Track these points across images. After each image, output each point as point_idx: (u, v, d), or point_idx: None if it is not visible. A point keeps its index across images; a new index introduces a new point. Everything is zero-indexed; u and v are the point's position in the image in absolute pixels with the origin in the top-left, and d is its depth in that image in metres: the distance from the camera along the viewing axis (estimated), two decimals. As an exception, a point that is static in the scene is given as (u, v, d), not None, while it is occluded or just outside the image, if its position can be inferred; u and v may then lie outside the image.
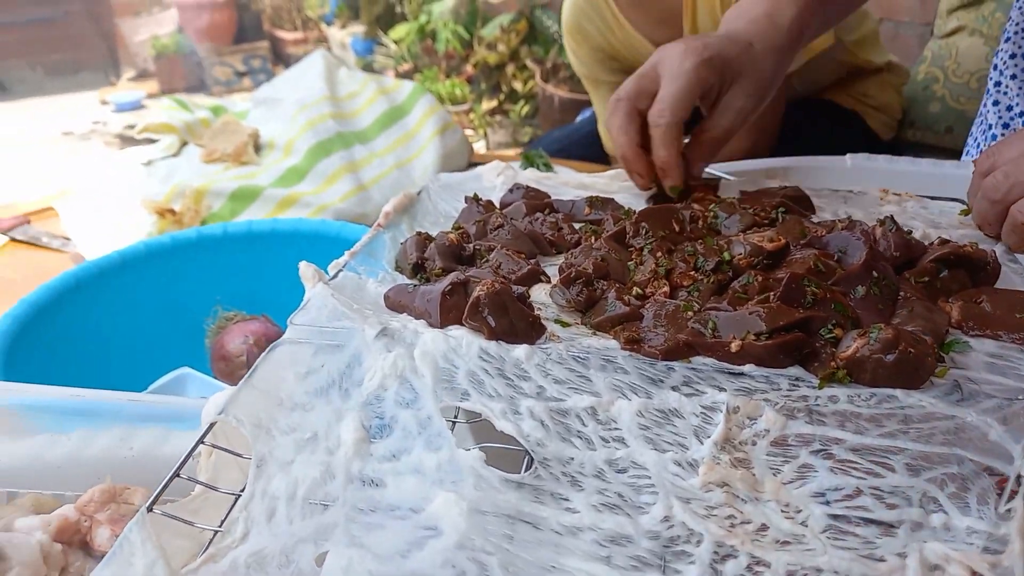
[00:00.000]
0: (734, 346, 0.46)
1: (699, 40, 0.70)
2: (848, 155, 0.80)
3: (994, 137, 0.94)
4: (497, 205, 0.72)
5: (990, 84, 0.95)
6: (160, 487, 0.40)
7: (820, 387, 0.45)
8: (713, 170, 0.77)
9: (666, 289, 0.52)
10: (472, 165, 1.44)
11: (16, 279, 1.13)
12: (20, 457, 0.50)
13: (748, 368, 0.46)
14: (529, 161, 1.43)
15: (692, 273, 0.53)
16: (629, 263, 0.56)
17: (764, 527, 0.38)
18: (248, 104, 1.40)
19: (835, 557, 0.35)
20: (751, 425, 0.43)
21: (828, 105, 1.44)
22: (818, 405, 0.44)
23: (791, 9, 0.74)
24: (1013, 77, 0.91)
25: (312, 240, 0.86)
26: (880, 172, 0.79)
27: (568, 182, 0.77)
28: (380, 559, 0.36)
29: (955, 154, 1.48)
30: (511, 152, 3.41)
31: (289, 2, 5.69)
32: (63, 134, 4.82)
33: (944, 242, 0.57)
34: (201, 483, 0.42)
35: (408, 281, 0.60)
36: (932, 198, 0.71)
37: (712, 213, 0.61)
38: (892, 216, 0.57)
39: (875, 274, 0.50)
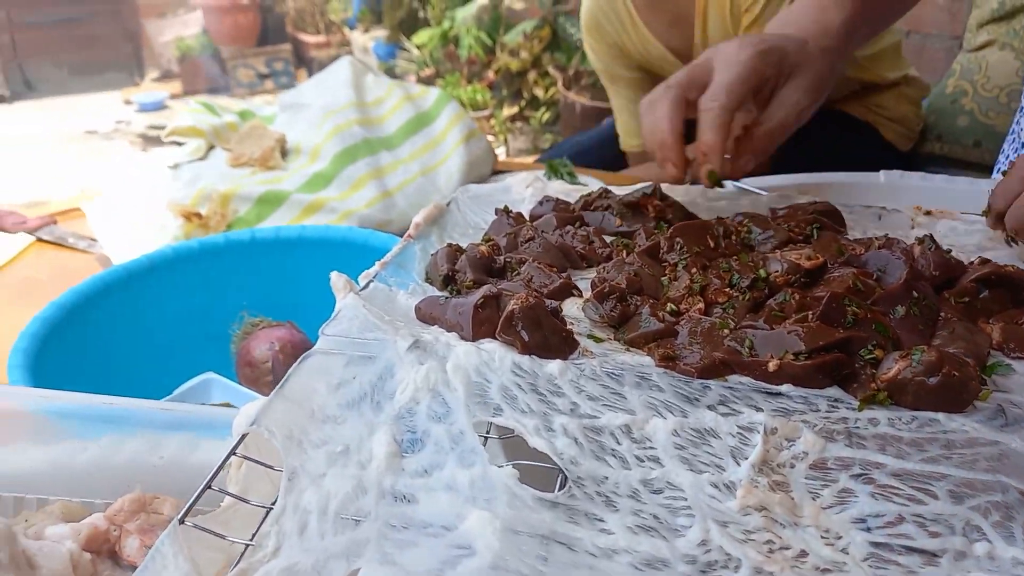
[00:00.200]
0: (772, 365, 0.45)
1: (755, 35, 0.70)
2: (882, 172, 0.79)
3: None
4: (527, 217, 0.71)
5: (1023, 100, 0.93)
6: (192, 499, 0.40)
7: (860, 409, 0.44)
8: (745, 185, 0.77)
9: (701, 306, 0.52)
10: (496, 173, 1.44)
11: (43, 279, 1.14)
12: (48, 463, 0.50)
13: (786, 388, 0.45)
14: (553, 170, 1.43)
15: (727, 290, 0.53)
16: (663, 278, 0.56)
17: (804, 553, 0.37)
18: (275, 109, 1.41)
19: (879, 587, 0.35)
20: (789, 447, 0.42)
21: (839, 115, 1.44)
22: (858, 427, 0.43)
23: (839, 15, 0.74)
24: None
25: (339, 247, 0.86)
26: (914, 189, 0.78)
27: (592, 193, 0.77)
28: (414, 578, 0.35)
29: (983, 168, 1.46)
30: (531, 159, 3.41)
31: (312, 6, 5.73)
32: (87, 133, 4.88)
33: (984, 261, 0.56)
34: (232, 495, 0.42)
35: (439, 293, 0.59)
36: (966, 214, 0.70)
37: (746, 228, 0.60)
38: (931, 235, 0.56)
39: (915, 294, 0.49)
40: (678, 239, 0.58)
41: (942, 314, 0.50)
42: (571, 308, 0.55)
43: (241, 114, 1.40)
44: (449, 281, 0.59)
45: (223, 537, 0.39)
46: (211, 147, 1.31)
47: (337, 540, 0.39)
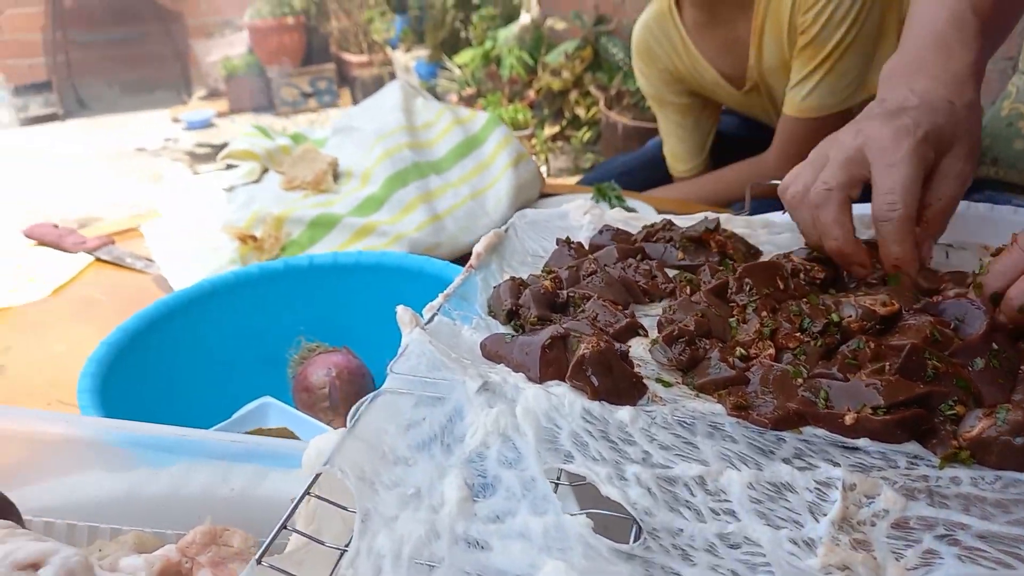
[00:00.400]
0: (848, 419, 0.44)
1: (900, 116, 0.64)
2: (964, 201, 0.77)
3: None
4: (586, 246, 0.71)
5: None
6: (269, 539, 0.40)
7: (941, 467, 0.43)
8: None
9: (771, 352, 0.51)
10: (544, 196, 1.44)
11: (101, 298, 1.17)
12: (121, 492, 0.51)
13: (863, 442, 0.44)
14: (601, 193, 1.43)
15: (798, 334, 0.52)
16: (730, 319, 0.55)
17: (889, 617, 0.36)
18: (327, 132, 1.43)
19: (972, 658, 0.34)
20: (869, 504, 0.41)
21: None
22: (939, 486, 0.42)
23: (968, 56, 0.70)
24: None
25: (395, 274, 0.87)
26: (979, 220, 0.76)
27: (655, 224, 0.76)
28: (493, 631, 0.35)
29: (1042, 194, 1.42)
30: (573, 179, 3.41)
31: (356, 26, 5.82)
32: (136, 150, 5.00)
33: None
34: (307, 536, 0.42)
35: (502, 328, 0.59)
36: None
37: (817, 267, 0.60)
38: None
39: (995, 346, 0.48)
40: (747, 280, 0.57)
41: (1022, 367, 0.48)
42: (637, 348, 0.55)
43: (294, 137, 1.42)
44: (512, 316, 0.60)
45: (299, 580, 0.40)
46: (265, 170, 1.34)
47: (412, 586, 0.39)
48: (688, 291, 0.61)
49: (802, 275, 0.60)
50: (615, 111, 3.45)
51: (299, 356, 0.84)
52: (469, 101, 4.13)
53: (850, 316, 0.52)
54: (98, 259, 1.27)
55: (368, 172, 1.27)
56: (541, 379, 0.50)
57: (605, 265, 0.65)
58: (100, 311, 1.13)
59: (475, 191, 1.28)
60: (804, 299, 0.55)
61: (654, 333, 0.57)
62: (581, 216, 0.79)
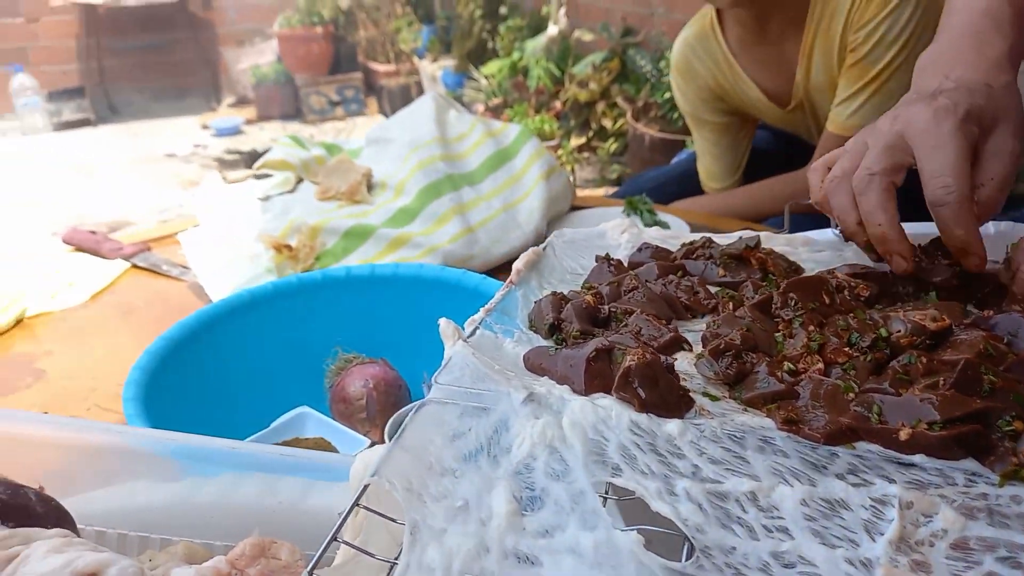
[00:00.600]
0: (903, 434, 0.44)
1: (937, 98, 0.63)
2: (991, 222, 0.76)
3: None
4: (625, 263, 0.71)
5: None
6: (320, 552, 0.40)
7: (1000, 485, 0.42)
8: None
9: (820, 366, 0.50)
10: (574, 208, 1.44)
11: (138, 304, 1.18)
12: (170, 502, 0.52)
13: (919, 459, 0.44)
14: (632, 207, 1.43)
15: (846, 349, 0.51)
16: (776, 334, 0.54)
17: (951, 640, 0.35)
18: (361, 143, 1.44)
19: None
20: (927, 523, 0.40)
21: None
22: (999, 505, 0.41)
23: (1003, 43, 0.68)
24: None
25: (432, 286, 0.87)
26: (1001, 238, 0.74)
27: (695, 241, 0.76)
28: (547, 647, 0.35)
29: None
30: (599, 191, 3.41)
31: (383, 36, 5.87)
32: (166, 156, 5.07)
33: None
34: (356, 547, 0.42)
35: (543, 340, 0.59)
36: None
37: (861, 285, 0.59)
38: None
39: (1051, 362, 0.47)
40: (792, 295, 0.57)
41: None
42: (682, 362, 0.54)
43: (328, 148, 1.43)
44: (554, 330, 0.59)
45: (350, 592, 0.40)
46: (299, 180, 1.35)
47: (463, 600, 0.39)
48: (731, 306, 0.61)
49: (846, 291, 0.60)
50: (642, 123, 3.44)
51: (336, 367, 0.84)
52: (496, 111, 4.15)
53: (899, 331, 0.51)
54: (135, 265, 1.29)
55: (402, 183, 1.28)
56: (586, 391, 0.50)
57: (646, 281, 0.65)
58: (137, 317, 1.15)
59: (507, 203, 1.28)
60: (851, 314, 0.55)
61: (698, 348, 0.57)
62: (619, 235, 0.79)
